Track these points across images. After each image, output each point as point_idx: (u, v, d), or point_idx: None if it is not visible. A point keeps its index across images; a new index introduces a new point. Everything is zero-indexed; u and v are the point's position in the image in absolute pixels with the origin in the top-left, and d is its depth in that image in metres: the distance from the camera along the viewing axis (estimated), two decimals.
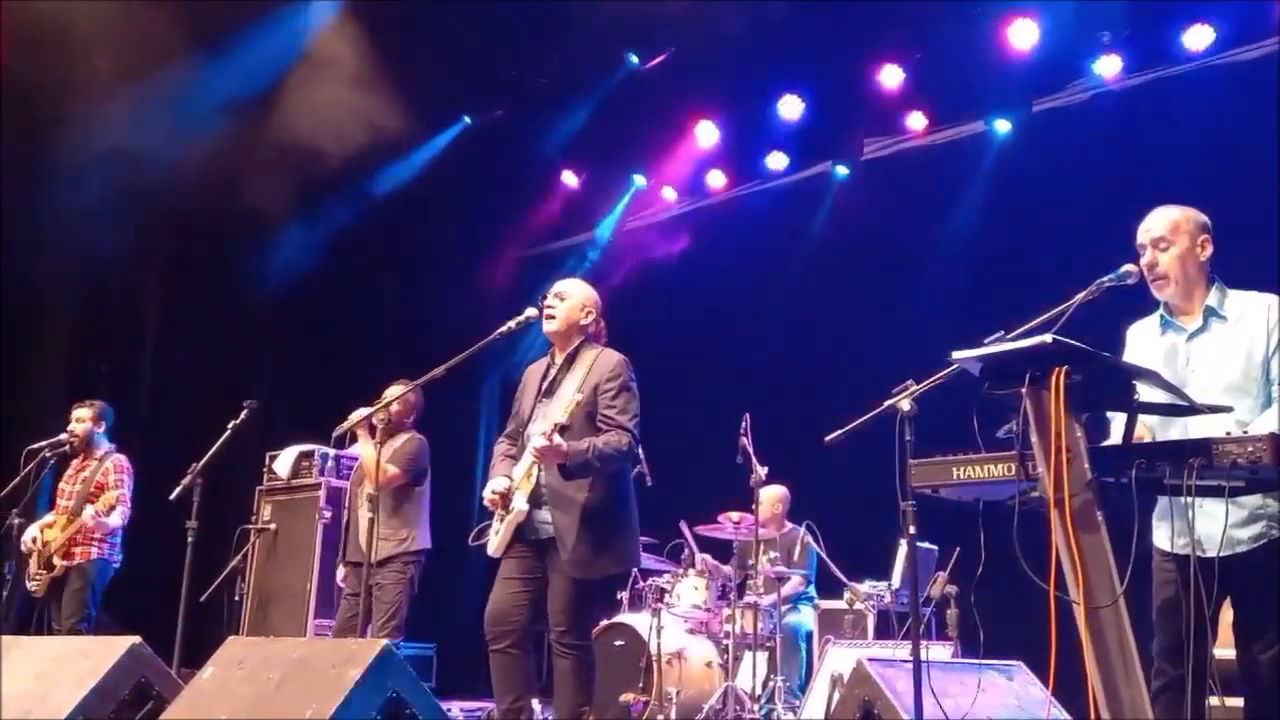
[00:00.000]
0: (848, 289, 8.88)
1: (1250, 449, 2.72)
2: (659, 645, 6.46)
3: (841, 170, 9.28)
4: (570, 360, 4.56)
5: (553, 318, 4.56)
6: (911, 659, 3.63)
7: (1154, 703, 2.96)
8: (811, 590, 7.47)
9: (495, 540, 4.42)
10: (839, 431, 3.77)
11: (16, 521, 6.53)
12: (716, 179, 9.87)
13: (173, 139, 8.29)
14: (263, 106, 8.65)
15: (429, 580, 6.12)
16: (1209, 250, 3.43)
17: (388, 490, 5.86)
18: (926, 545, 6.37)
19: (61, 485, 6.84)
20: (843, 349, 8.57)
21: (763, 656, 6.68)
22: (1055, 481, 2.80)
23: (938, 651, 5.84)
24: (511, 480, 4.44)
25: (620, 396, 4.43)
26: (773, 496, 7.47)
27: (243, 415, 5.76)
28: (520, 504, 4.34)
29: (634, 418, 4.45)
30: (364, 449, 5.94)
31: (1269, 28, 7.17)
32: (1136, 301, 3.55)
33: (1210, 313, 3.40)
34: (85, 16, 7.63)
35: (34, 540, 6.61)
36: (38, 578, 6.59)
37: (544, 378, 4.61)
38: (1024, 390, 2.88)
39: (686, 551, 7.15)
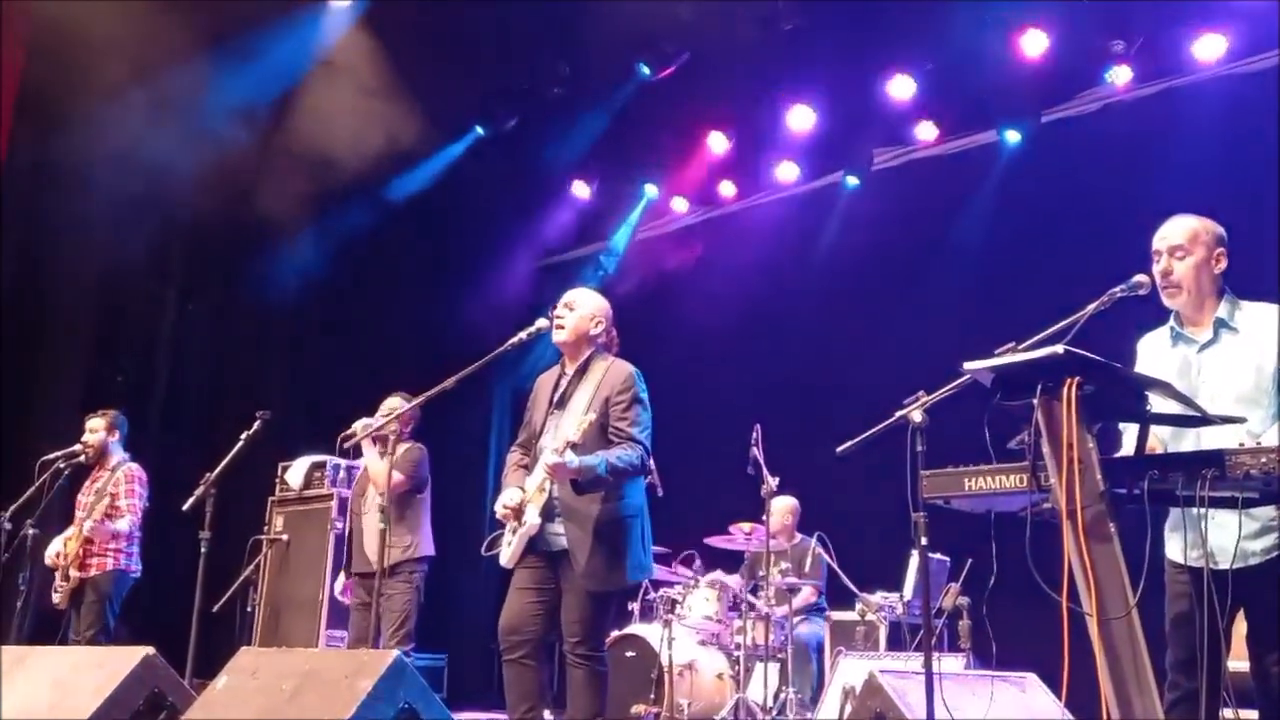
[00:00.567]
0: (858, 299, 8.88)
1: (1263, 460, 2.71)
2: (670, 656, 6.45)
3: (852, 180, 9.28)
4: (582, 371, 4.56)
5: (562, 328, 4.57)
6: (924, 670, 3.63)
7: (1168, 715, 2.96)
8: (823, 601, 7.45)
9: (507, 552, 4.43)
10: (851, 442, 3.77)
11: (32, 532, 6.56)
12: (727, 189, 9.88)
13: (188, 146, 8.34)
14: (277, 114, 8.69)
15: (440, 590, 6.13)
16: (1224, 263, 3.42)
17: (390, 497, 5.89)
18: (938, 556, 6.36)
19: (79, 497, 6.87)
20: (854, 360, 8.56)
21: (774, 668, 6.67)
22: (1067, 493, 2.80)
23: (950, 663, 5.82)
24: (524, 492, 4.44)
25: (631, 409, 4.43)
26: (784, 507, 7.46)
27: (256, 426, 5.78)
28: (533, 517, 4.35)
29: (645, 430, 4.46)
30: (372, 461, 5.97)
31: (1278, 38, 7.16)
32: (1148, 312, 3.54)
33: (1221, 324, 3.39)
34: (101, 22, 7.67)
35: (57, 555, 6.64)
36: (60, 589, 6.63)
37: (555, 388, 4.62)
38: (1036, 401, 2.88)
39: (697, 563, 7.15)
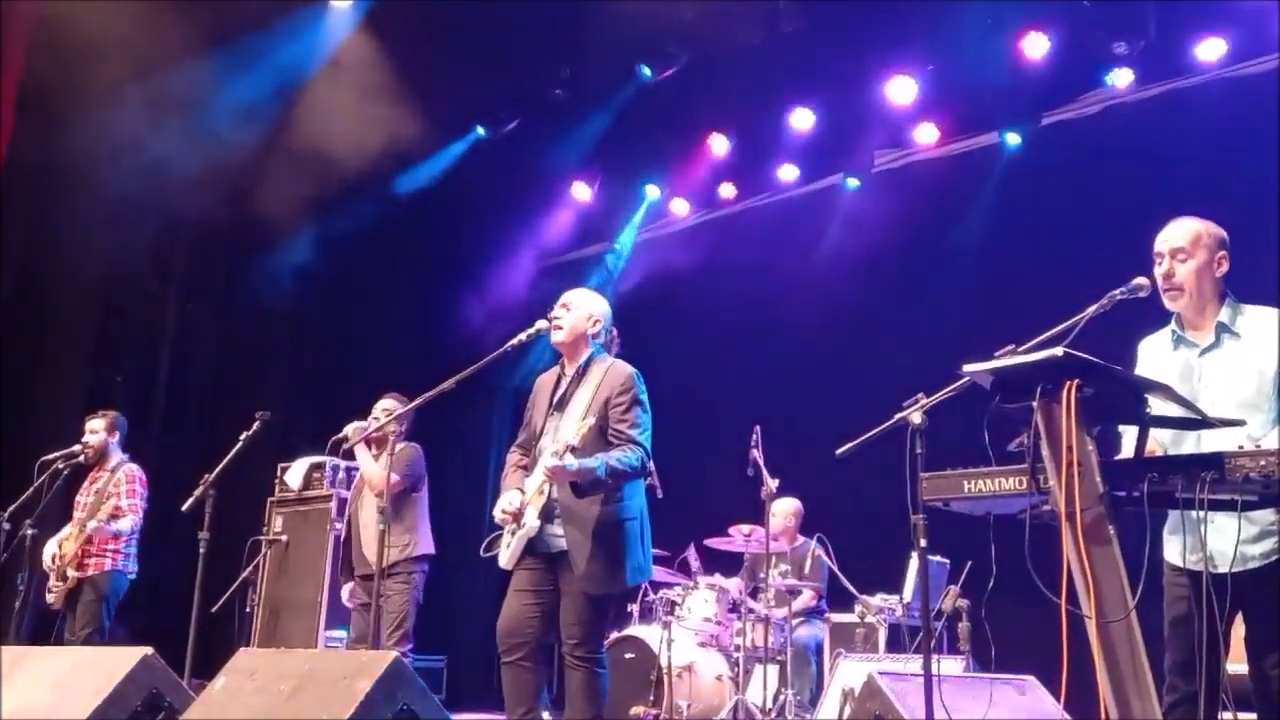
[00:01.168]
0: (858, 301, 8.88)
1: (1263, 463, 2.71)
2: (669, 658, 6.45)
3: (852, 182, 9.28)
4: (581, 372, 4.56)
5: (559, 328, 4.57)
6: (923, 673, 3.62)
7: (1167, 718, 2.96)
8: (823, 604, 7.45)
9: (506, 553, 4.42)
10: (850, 444, 3.77)
11: (31, 532, 6.56)
12: (728, 190, 9.88)
13: (189, 147, 8.35)
14: (278, 115, 8.70)
15: (439, 591, 6.13)
16: (1225, 267, 3.41)
17: (386, 496, 5.89)
18: (938, 559, 6.36)
19: (77, 498, 6.87)
20: (854, 362, 8.56)
21: (773, 670, 6.67)
22: (1067, 495, 2.80)
23: (949, 665, 5.82)
24: (524, 494, 4.44)
25: (631, 411, 4.43)
26: (786, 509, 7.46)
27: (256, 427, 5.78)
28: (532, 519, 4.35)
29: (645, 431, 4.45)
30: (366, 463, 5.98)
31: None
32: (1148, 315, 3.54)
33: (1222, 329, 3.38)
34: (102, 22, 7.68)
35: (53, 556, 6.64)
36: (54, 590, 6.62)
37: (555, 389, 4.62)
38: (1036, 403, 2.88)
39: (696, 564, 7.14)
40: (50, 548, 6.65)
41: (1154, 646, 2.88)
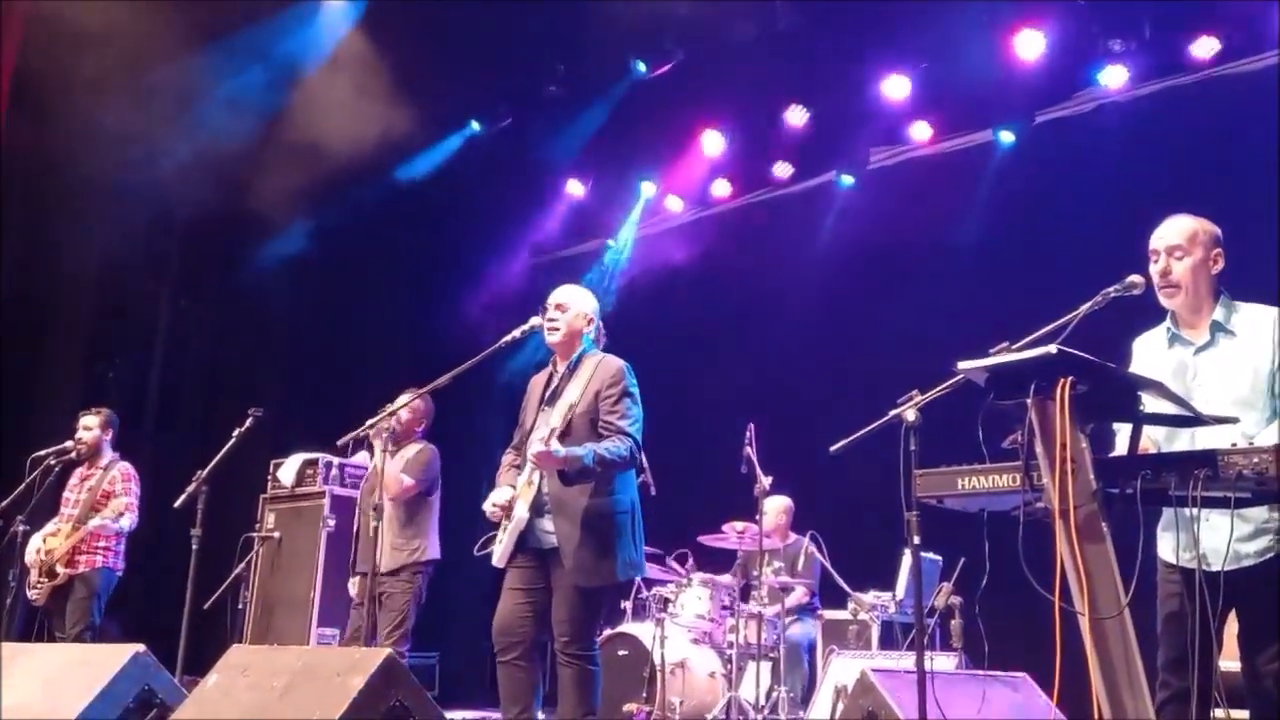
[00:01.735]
0: (852, 299, 8.88)
1: (1256, 460, 2.71)
2: (662, 655, 6.45)
3: (847, 179, 9.28)
4: (572, 369, 4.58)
5: (556, 329, 4.57)
6: (916, 669, 3.63)
7: (1159, 715, 2.96)
8: (815, 601, 7.45)
9: (499, 550, 4.42)
10: (844, 441, 3.76)
11: (23, 529, 6.54)
12: (722, 187, 9.88)
13: (184, 143, 8.32)
14: (273, 110, 8.68)
15: (432, 590, 6.12)
16: (1221, 264, 3.42)
17: (400, 500, 5.89)
18: (931, 556, 6.37)
19: (65, 494, 6.84)
20: (847, 359, 8.56)
21: (766, 667, 6.67)
22: (1060, 492, 2.80)
23: (942, 662, 5.83)
24: (514, 490, 4.44)
25: (621, 402, 4.44)
26: (777, 507, 7.47)
27: (249, 423, 5.77)
28: (521, 511, 4.35)
29: (635, 423, 4.45)
30: (380, 459, 5.95)
31: (1274, 38, 7.17)
32: (1142, 312, 3.54)
33: (1217, 327, 3.38)
34: (97, 16, 7.65)
35: (38, 551, 6.61)
36: (39, 586, 6.59)
37: (546, 386, 4.63)
38: (1029, 401, 2.88)
39: (690, 562, 7.15)
40: (35, 543, 6.62)
41: (1146, 644, 2.89)
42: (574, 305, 4.62)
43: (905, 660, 5.75)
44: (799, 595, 7.25)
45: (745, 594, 7.11)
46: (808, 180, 9.55)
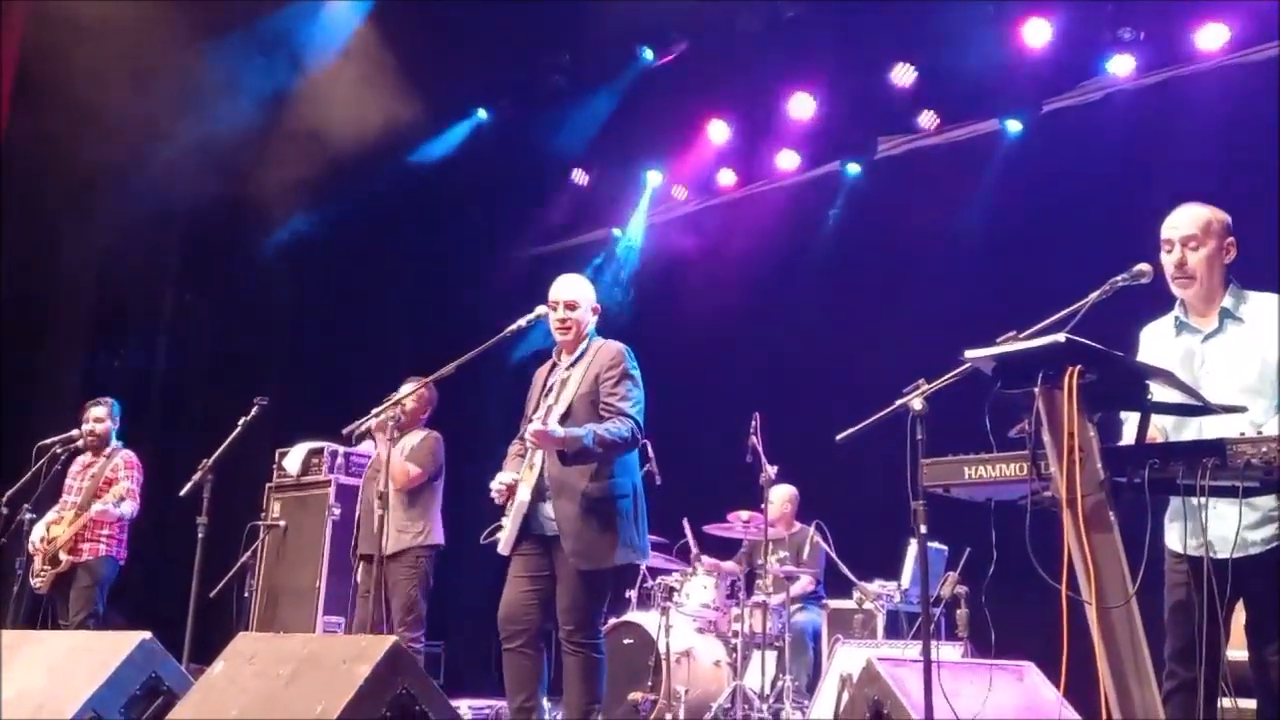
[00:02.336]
0: (859, 288, 8.86)
1: (1264, 449, 2.70)
2: (667, 644, 6.45)
3: (853, 169, 9.25)
4: (575, 357, 4.60)
5: (568, 330, 4.58)
6: (921, 659, 3.62)
7: (1166, 704, 2.95)
8: (820, 590, 7.45)
9: (504, 537, 4.43)
10: (850, 430, 3.76)
11: (29, 517, 6.56)
12: (727, 177, 9.86)
13: (187, 133, 8.31)
14: (277, 100, 8.66)
15: (437, 578, 6.13)
16: (1233, 253, 3.39)
17: (407, 488, 5.91)
18: (937, 545, 6.36)
19: (69, 481, 6.86)
20: (854, 348, 8.54)
21: (771, 656, 6.67)
22: (1068, 481, 2.79)
23: (948, 652, 5.81)
24: (518, 474, 4.45)
25: (621, 384, 4.44)
26: (782, 496, 7.46)
27: (254, 412, 5.78)
28: (523, 494, 4.36)
29: (636, 405, 4.45)
30: (384, 449, 5.94)
31: None
32: (1149, 301, 3.52)
33: (1226, 315, 3.37)
34: (101, 5, 7.64)
35: (42, 539, 6.63)
36: (42, 574, 6.60)
37: (549, 376, 4.66)
38: (1037, 390, 2.87)
39: (695, 551, 7.14)
40: (38, 531, 6.64)
41: (1153, 633, 2.88)
42: (583, 302, 4.63)
43: (910, 649, 5.74)
44: (804, 584, 7.25)
45: (750, 583, 7.11)
46: (813, 170, 9.53)
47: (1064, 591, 2.78)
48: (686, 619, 6.85)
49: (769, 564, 6.76)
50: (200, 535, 5.53)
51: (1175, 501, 3.31)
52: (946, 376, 3.50)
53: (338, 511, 7.30)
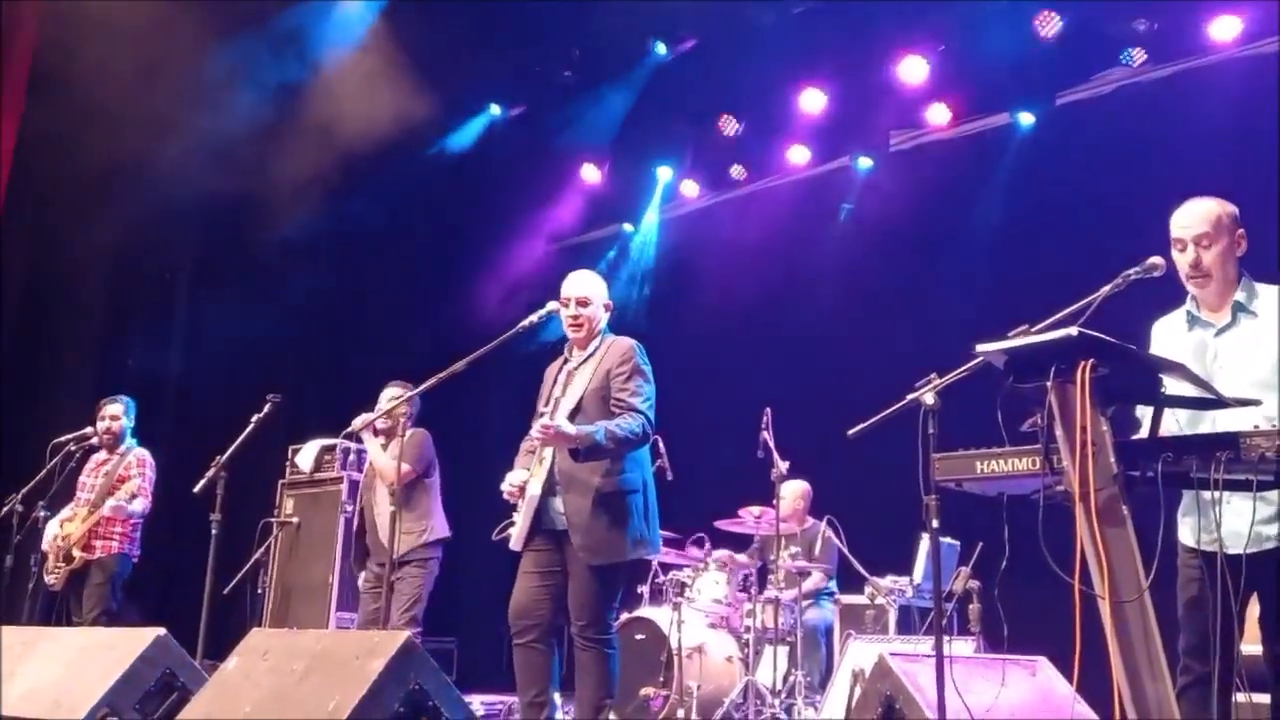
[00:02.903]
0: (871, 282, 8.84)
1: (1279, 443, 2.69)
2: (679, 639, 6.46)
3: (865, 163, 9.22)
4: (587, 354, 4.61)
5: (580, 326, 4.58)
6: (934, 654, 3.62)
7: (1180, 699, 2.94)
8: (832, 585, 7.45)
9: (516, 533, 4.44)
10: (862, 425, 3.75)
11: (43, 514, 6.59)
12: (738, 172, 9.84)
13: (200, 130, 8.33)
14: (292, 97, 8.68)
15: (449, 574, 6.14)
16: (1244, 246, 3.38)
17: (399, 486, 5.90)
18: (949, 540, 6.34)
19: (82, 479, 6.89)
20: (866, 342, 8.53)
21: (783, 651, 6.67)
22: (1080, 475, 2.78)
23: (960, 647, 5.81)
24: (529, 471, 4.46)
25: (633, 379, 4.45)
26: (794, 491, 7.45)
27: (267, 409, 5.79)
28: (534, 489, 4.37)
29: (647, 401, 4.46)
30: (375, 452, 5.99)
31: None
32: (1161, 294, 3.51)
33: (1239, 308, 3.35)
34: (113, 3, 7.66)
35: (55, 536, 6.66)
36: (56, 571, 6.63)
37: (559, 371, 4.66)
38: (1049, 384, 2.86)
39: (707, 547, 7.14)
40: (52, 528, 6.68)
41: (1167, 628, 2.87)
42: (596, 299, 4.63)
43: (923, 645, 5.73)
44: (816, 579, 7.24)
45: (762, 578, 7.11)
46: (824, 164, 9.51)
47: (1077, 586, 2.77)
48: (698, 614, 6.85)
49: (781, 559, 6.75)
50: (214, 532, 5.53)
51: (1188, 496, 3.29)
52: (958, 371, 3.49)
53: (350, 508, 7.33)
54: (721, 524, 7.14)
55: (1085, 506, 2.78)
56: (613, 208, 10.58)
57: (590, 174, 10.35)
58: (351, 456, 7.55)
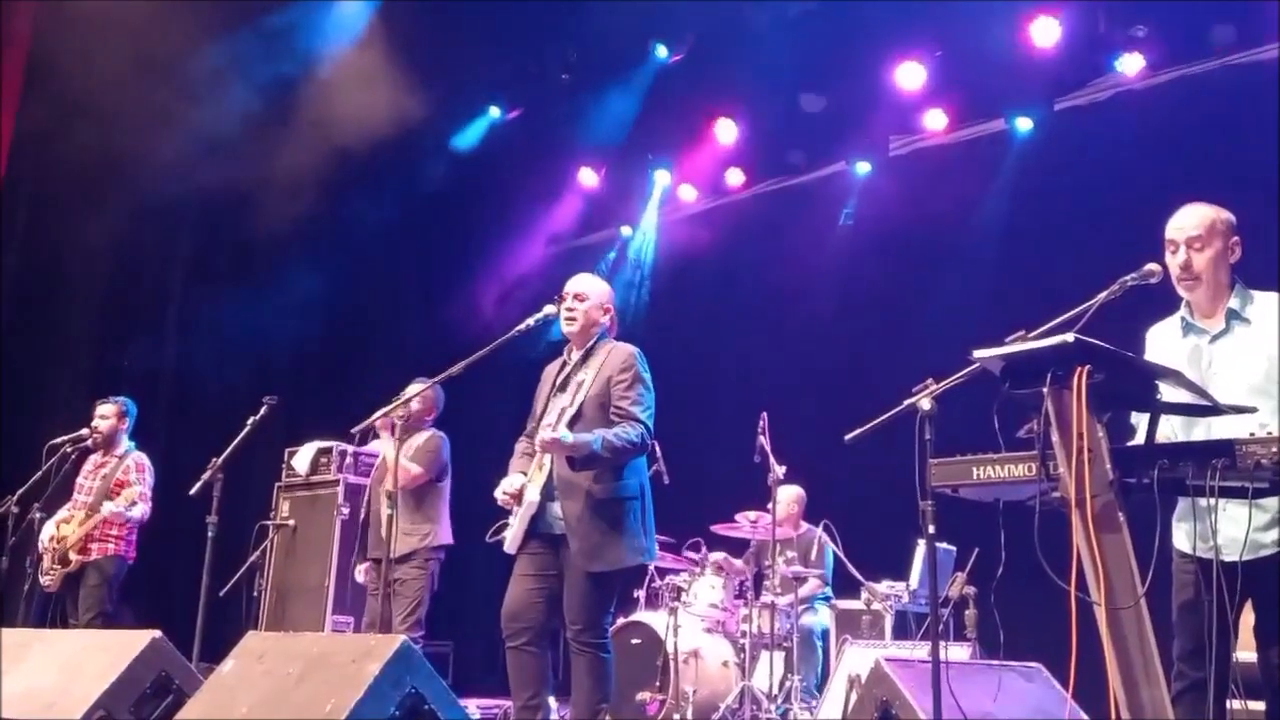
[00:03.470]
0: (867, 288, 8.85)
1: (1275, 449, 2.70)
2: (675, 644, 6.45)
3: (862, 168, 9.23)
4: (586, 356, 4.60)
5: (574, 320, 4.58)
6: (930, 659, 3.62)
7: (1175, 705, 2.95)
8: (828, 590, 7.45)
9: (510, 535, 4.44)
10: (858, 430, 3.75)
11: (39, 516, 6.58)
12: (735, 176, 9.85)
13: (197, 129, 8.33)
14: (289, 97, 8.68)
15: (445, 578, 6.14)
16: (1238, 253, 3.39)
17: (409, 488, 5.90)
18: (945, 546, 6.35)
19: (80, 481, 6.87)
20: (862, 348, 8.54)
21: (779, 656, 6.67)
22: (1077, 482, 2.79)
23: (956, 652, 5.82)
24: (525, 476, 4.46)
25: (633, 388, 4.45)
26: (790, 496, 7.45)
27: (263, 411, 5.79)
28: (532, 495, 4.37)
29: (647, 410, 4.46)
30: (385, 446, 5.97)
31: None
32: (1157, 301, 3.52)
33: (1233, 315, 3.36)
34: (111, 6, 7.66)
35: (51, 538, 6.65)
36: (51, 573, 6.62)
37: (559, 374, 4.66)
38: (1045, 390, 2.86)
39: (704, 551, 7.14)
40: (48, 530, 6.66)
41: (1161, 633, 2.87)
42: (592, 296, 4.63)
43: (919, 650, 5.73)
44: (811, 585, 7.24)
45: (758, 583, 7.11)
46: (821, 169, 9.52)
47: (1073, 592, 2.77)
48: (694, 619, 6.85)
49: (776, 564, 6.75)
50: (210, 534, 5.53)
51: (1184, 502, 3.30)
52: (955, 376, 3.49)
53: (346, 511, 7.32)
54: (718, 528, 7.14)
55: (1081, 513, 2.78)
56: (610, 211, 10.58)
57: (588, 177, 10.36)
58: (348, 459, 7.55)
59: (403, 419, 4.93)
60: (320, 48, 8.76)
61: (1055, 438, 2.86)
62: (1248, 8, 7.31)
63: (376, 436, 6.02)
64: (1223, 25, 7.42)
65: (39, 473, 6.52)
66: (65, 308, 9.27)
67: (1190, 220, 3.39)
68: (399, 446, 5.01)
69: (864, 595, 6.85)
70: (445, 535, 6.07)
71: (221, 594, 7.00)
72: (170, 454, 7.40)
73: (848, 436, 3.77)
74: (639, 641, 6.77)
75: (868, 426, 3.74)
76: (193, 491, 5.62)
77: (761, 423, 6.58)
